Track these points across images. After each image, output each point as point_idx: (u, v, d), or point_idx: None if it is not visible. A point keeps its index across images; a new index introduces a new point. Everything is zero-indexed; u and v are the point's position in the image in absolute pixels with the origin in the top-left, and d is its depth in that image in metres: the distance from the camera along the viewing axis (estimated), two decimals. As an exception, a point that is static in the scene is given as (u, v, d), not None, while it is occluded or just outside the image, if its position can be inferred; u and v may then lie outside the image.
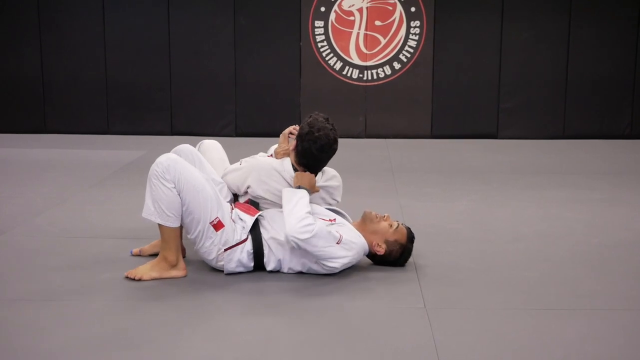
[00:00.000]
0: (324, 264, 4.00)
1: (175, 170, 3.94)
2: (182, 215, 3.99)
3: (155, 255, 4.30)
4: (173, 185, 3.94)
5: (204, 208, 3.97)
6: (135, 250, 4.43)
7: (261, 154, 4.63)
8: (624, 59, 9.24)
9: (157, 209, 3.95)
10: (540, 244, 4.80)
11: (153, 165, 3.99)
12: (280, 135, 4.51)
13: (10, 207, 5.63)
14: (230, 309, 3.67)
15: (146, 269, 4.05)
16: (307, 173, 4.22)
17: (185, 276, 4.10)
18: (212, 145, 4.70)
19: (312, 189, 4.19)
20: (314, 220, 3.92)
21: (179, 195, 3.95)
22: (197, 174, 4.03)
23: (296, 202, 3.99)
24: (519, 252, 4.62)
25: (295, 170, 4.27)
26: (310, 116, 4.30)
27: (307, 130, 4.20)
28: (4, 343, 3.24)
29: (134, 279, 4.00)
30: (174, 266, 4.07)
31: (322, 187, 4.37)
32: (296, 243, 3.92)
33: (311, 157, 4.24)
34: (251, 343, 3.26)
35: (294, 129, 4.46)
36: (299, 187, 4.12)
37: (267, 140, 4.53)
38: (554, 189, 6.45)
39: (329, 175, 4.45)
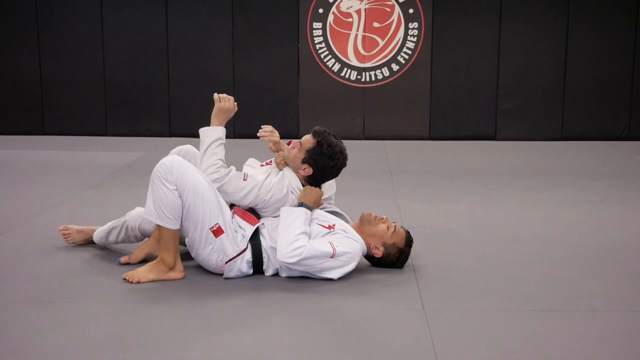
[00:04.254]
0: (320, 276, 4.01)
1: (177, 172, 3.93)
2: (182, 218, 3.99)
3: (145, 260, 4.29)
4: (175, 187, 3.93)
5: (204, 212, 3.96)
6: (124, 259, 4.32)
7: (251, 159, 4.55)
8: (622, 60, 9.25)
9: (157, 209, 3.95)
10: (538, 245, 4.80)
11: (156, 166, 3.99)
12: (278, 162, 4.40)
13: (8, 209, 5.63)
14: (228, 311, 3.66)
15: (144, 271, 4.04)
16: (316, 189, 4.21)
17: (183, 278, 4.10)
18: (191, 151, 4.51)
19: (316, 205, 4.20)
20: (304, 242, 3.91)
21: (180, 197, 3.95)
22: (199, 176, 4.01)
23: (289, 224, 3.97)
24: (517, 253, 4.62)
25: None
26: (322, 143, 4.16)
27: (331, 165, 4.17)
28: (1, 344, 3.23)
29: (131, 282, 4.00)
30: (171, 268, 4.06)
31: (324, 199, 4.39)
32: (287, 267, 3.95)
33: (322, 181, 4.30)
34: (249, 345, 3.26)
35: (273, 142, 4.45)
36: (301, 204, 4.11)
37: (265, 142, 4.50)
38: (552, 190, 6.45)
39: (326, 186, 4.44)
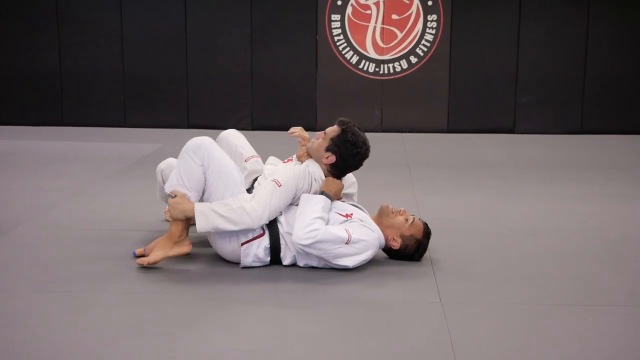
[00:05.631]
0: (335, 263, 4.00)
1: (206, 149, 4.02)
2: (202, 196, 4.06)
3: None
4: (201, 163, 4.01)
5: (224, 192, 4.03)
6: (139, 251, 4.29)
7: (272, 158, 4.60)
8: (643, 53, 9.19)
9: (179, 180, 4.03)
10: (556, 238, 4.78)
11: (187, 142, 4.09)
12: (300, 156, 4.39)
13: (26, 199, 5.66)
14: (245, 302, 3.67)
15: (152, 252, 4.10)
16: (338, 181, 4.25)
17: (189, 252, 4.15)
18: (232, 135, 4.68)
19: (336, 197, 4.21)
20: (320, 225, 3.92)
21: (204, 174, 4.01)
22: (227, 159, 4.10)
23: (306, 208, 4.00)
24: (534, 246, 4.60)
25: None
26: (347, 131, 4.20)
27: (354, 152, 4.20)
28: (19, 334, 3.25)
29: (144, 265, 4.04)
30: (176, 242, 4.09)
31: (344, 194, 4.41)
32: (301, 249, 3.95)
33: (347, 171, 4.34)
34: (265, 335, 3.26)
35: (300, 138, 4.45)
36: (322, 192, 4.13)
37: (283, 134, 4.52)
38: (571, 183, 6.41)
39: (348, 183, 4.46)
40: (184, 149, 4.08)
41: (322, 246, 3.91)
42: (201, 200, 4.08)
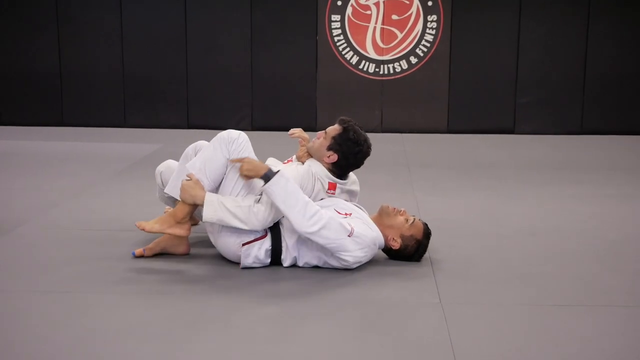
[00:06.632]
0: (337, 256, 4.00)
1: (238, 145, 4.04)
2: (215, 187, 4.08)
3: (160, 254, 4.31)
4: (228, 156, 4.03)
5: (234, 190, 4.03)
6: (138, 251, 4.28)
7: (271, 159, 4.61)
8: (643, 54, 9.19)
9: (200, 165, 4.05)
10: (556, 238, 4.78)
11: (226, 131, 4.10)
12: (300, 157, 4.40)
13: (26, 200, 5.66)
14: (245, 302, 3.67)
15: (152, 222, 4.12)
16: (253, 160, 4.05)
17: (187, 235, 4.18)
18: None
19: (255, 174, 3.99)
20: (318, 208, 3.90)
21: (226, 167, 4.03)
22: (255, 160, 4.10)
23: (299, 200, 3.86)
24: (534, 247, 4.60)
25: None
26: (348, 129, 4.23)
27: (356, 150, 4.23)
28: (19, 334, 3.25)
29: (139, 229, 4.08)
30: (178, 222, 4.10)
31: (347, 191, 4.40)
32: (307, 236, 3.93)
33: (348, 170, 4.35)
34: (265, 336, 3.26)
35: (300, 138, 4.45)
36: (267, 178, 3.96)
37: (283, 134, 4.52)
38: (571, 184, 6.41)
39: (351, 180, 4.46)
40: (217, 137, 4.08)
41: (327, 234, 3.87)
42: (214, 192, 4.09)
